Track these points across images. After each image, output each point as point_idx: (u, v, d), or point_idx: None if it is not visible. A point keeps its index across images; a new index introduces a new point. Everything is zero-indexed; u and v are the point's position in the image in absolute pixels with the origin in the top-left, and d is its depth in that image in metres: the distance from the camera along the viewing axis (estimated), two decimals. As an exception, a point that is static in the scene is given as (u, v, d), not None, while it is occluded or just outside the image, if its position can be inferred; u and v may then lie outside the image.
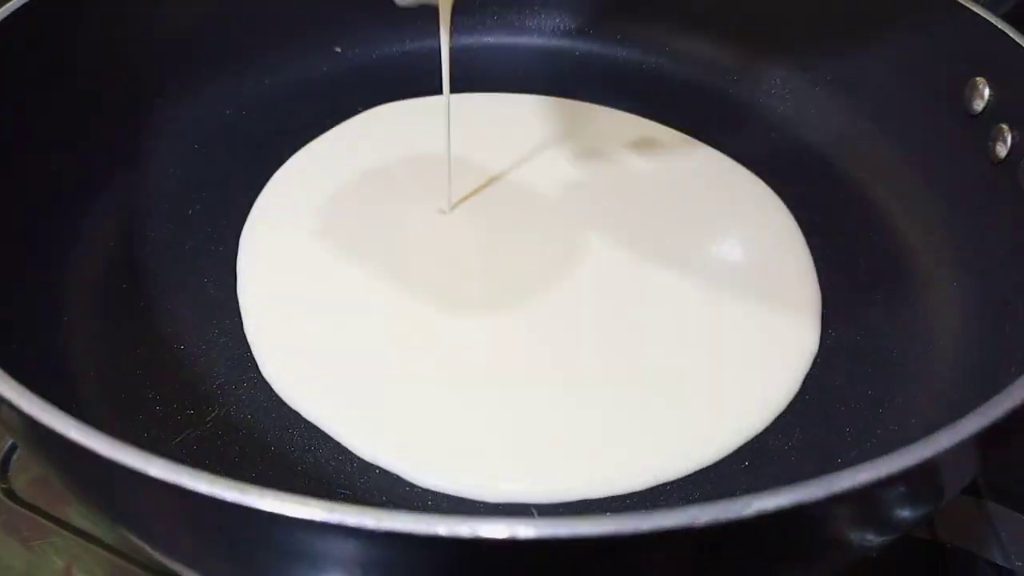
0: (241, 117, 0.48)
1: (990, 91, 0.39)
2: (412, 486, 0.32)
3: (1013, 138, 0.38)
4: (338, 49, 0.52)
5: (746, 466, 0.33)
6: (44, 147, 0.39)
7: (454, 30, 0.54)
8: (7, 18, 0.37)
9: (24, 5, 0.38)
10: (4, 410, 0.23)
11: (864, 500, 0.21)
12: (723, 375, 0.36)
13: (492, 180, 0.45)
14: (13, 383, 0.23)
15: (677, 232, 0.42)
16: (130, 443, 0.31)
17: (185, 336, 0.37)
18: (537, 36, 0.54)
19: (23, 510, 0.35)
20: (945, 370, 0.36)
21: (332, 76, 0.52)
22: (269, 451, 0.33)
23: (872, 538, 0.24)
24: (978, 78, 0.40)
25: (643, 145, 0.48)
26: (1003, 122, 0.38)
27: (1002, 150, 0.38)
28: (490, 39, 0.55)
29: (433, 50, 0.53)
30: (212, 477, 0.20)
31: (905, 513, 0.23)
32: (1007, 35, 0.38)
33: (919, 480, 0.22)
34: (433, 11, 0.53)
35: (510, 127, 0.49)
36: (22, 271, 0.35)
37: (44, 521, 0.35)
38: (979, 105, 0.40)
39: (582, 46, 0.54)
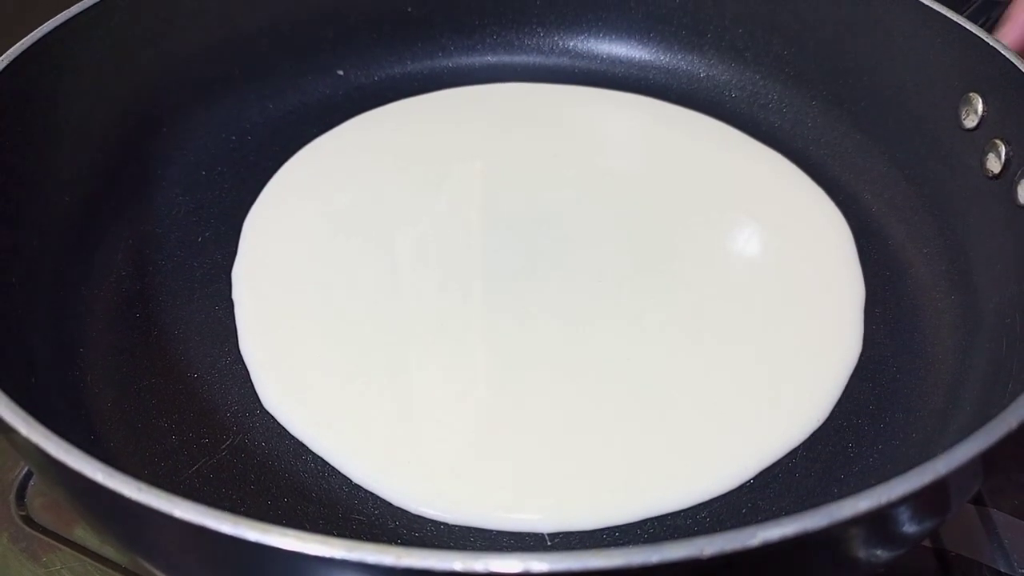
0: (246, 142, 0.49)
1: (984, 106, 0.40)
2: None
3: (1007, 153, 0.38)
4: (341, 72, 0.53)
5: (751, 484, 0.33)
6: (53, 182, 0.39)
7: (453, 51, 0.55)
8: (16, 58, 0.37)
9: (34, 43, 0.39)
10: (30, 451, 0.23)
11: (868, 524, 0.22)
12: (744, 405, 0.36)
13: (497, 179, 0.46)
14: (37, 425, 0.23)
15: (712, 247, 0.42)
16: (147, 474, 0.32)
17: (197, 364, 0.37)
18: (536, 55, 0.55)
19: (41, 535, 0.36)
20: (944, 384, 0.36)
21: (335, 98, 0.52)
22: (283, 479, 0.33)
23: (879, 555, 0.24)
24: (972, 93, 0.40)
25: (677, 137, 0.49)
26: (997, 137, 0.39)
27: (996, 165, 0.39)
28: (490, 58, 0.55)
29: (430, 70, 0.54)
30: (235, 518, 0.20)
31: (910, 531, 0.24)
32: (999, 51, 0.39)
33: (921, 502, 0.22)
34: (436, 30, 0.54)
35: (532, 119, 0.50)
36: (37, 306, 0.36)
37: (62, 546, 0.35)
38: (973, 120, 0.40)
39: (580, 63, 0.55)
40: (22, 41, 0.38)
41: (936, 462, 0.22)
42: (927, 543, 0.34)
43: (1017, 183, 0.37)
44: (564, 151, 0.48)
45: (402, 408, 0.35)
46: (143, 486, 0.21)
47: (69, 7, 0.41)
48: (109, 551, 0.35)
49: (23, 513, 0.37)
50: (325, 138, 0.49)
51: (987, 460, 0.23)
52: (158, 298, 0.40)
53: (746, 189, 0.46)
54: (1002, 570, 0.34)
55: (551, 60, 0.55)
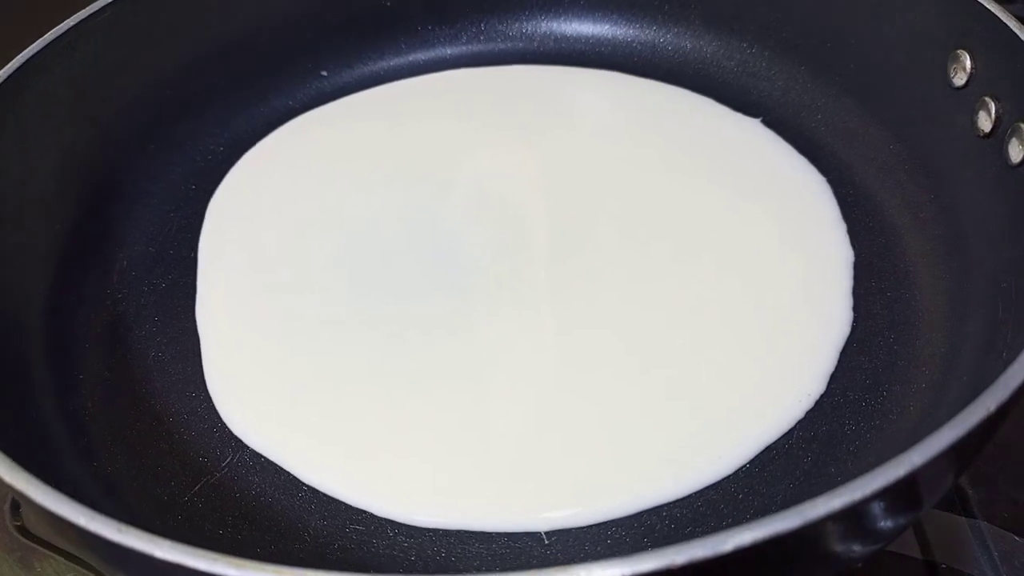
0: (234, 151, 0.49)
1: (972, 63, 0.39)
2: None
3: (997, 110, 0.37)
4: (324, 72, 0.53)
5: (747, 469, 0.33)
6: (42, 210, 0.40)
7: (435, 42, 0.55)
8: (12, 73, 0.38)
9: (15, 70, 0.39)
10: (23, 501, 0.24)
11: (842, 521, 0.22)
12: (737, 389, 0.35)
13: (474, 168, 0.46)
14: (28, 476, 0.24)
15: (696, 229, 0.42)
16: (149, 497, 0.33)
17: (197, 382, 0.38)
18: (520, 41, 0.54)
19: (36, 546, 0.37)
20: (940, 355, 0.36)
21: (321, 99, 0.52)
22: (284, 491, 0.34)
23: (856, 550, 0.24)
24: (960, 51, 0.39)
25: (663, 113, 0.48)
26: (987, 94, 0.38)
27: (987, 123, 0.38)
28: (474, 47, 0.55)
29: (414, 64, 0.54)
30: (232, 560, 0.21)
31: (886, 525, 0.24)
32: (984, 7, 0.38)
33: (896, 496, 0.22)
34: (416, 22, 0.54)
35: (504, 103, 0.50)
36: (34, 337, 0.37)
37: (55, 555, 0.36)
38: (962, 78, 0.39)
39: (566, 46, 0.54)
40: (3, 69, 0.39)
41: (912, 453, 0.22)
42: (917, 555, 0.34)
43: (1008, 141, 0.36)
44: (545, 134, 0.48)
45: (382, 420, 0.35)
46: (95, 515, 0.22)
47: (46, 33, 0.41)
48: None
49: (18, 523, 0.38)
50: (272, 138, 0.49)
51: (959, 452, 0.23)
52: (153, 318, 0.40)
53: (728, 164, 0.45)
54: (992, 582, 0.34)
55: (535, 45, 0.54)
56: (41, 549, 0.36)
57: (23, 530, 0.37)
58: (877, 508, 0.22)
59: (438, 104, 0.50)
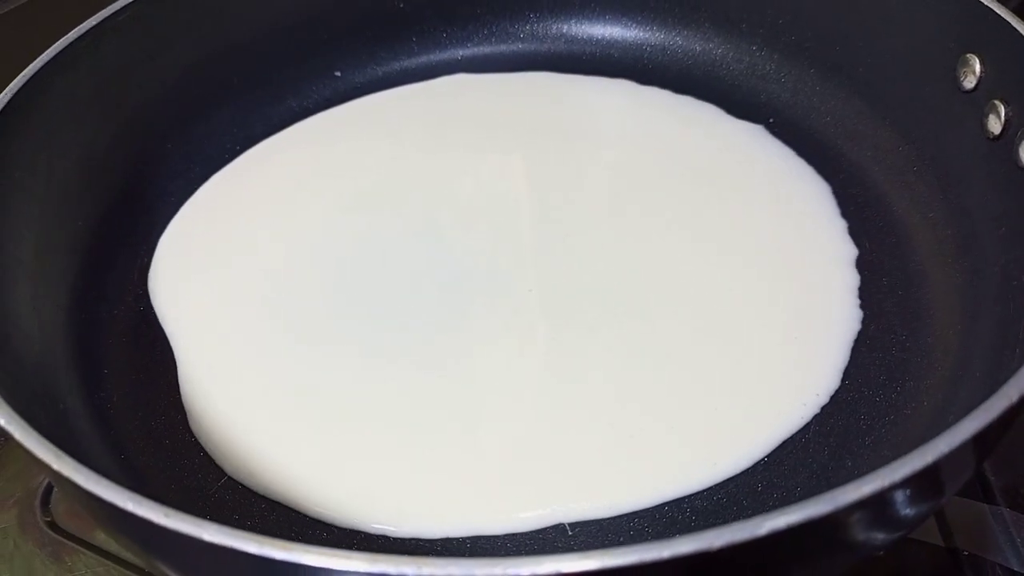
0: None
1: (981, 67, 0.40)
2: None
3: (1007, 113, 0.38)
4: (338, 73, 0.53)
5: (765, 461, 0.34)
6: (65, 208, 0.41)
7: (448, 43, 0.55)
8: (19, 91, 0.38)
9: (34, 73, 0.39)
10: (67, 488, 0.24)
11: (869, 508, 0.22)
12: (754, 384, 0.36)
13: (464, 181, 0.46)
14: (76, 463, 0.24)
15: (709, 231, 0.42)
16: (175, 489, 0.33)
17: (218, 377, 0.38)
18: (532, 42, 0.55)
19: (65, 540, 0.37)
20: (953, 351, 0.36)
21: (335, 100, 0.53)
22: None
23: (880, 537, 0.25)
24: (969, 54, 0.40)
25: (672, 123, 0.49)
26: (996, 98, 0.39)
27: (996, 126, 0.39)
28: (486, 48, 0.55)
29: (426, 65, 0.55)
30: (260, 538, 0.21)
31: (910, 512, 0.24)
32: (994, 11, 0.38)
33: (922, 483, 0.23)
34: (429, 23, 0.55)
35: (501, 108, 0.51)
36: (58, 333, 0.37)
37: (84, 550, 0.37)
38: (972, 82, 0.40)
39: (576, 48, 0.54)
40: (22, 73, 0.39)
41: (938, 441, 0.23)
42: (940, 542, 0.35)
43: (1018, 144, 0.37)
44: (548, 146, 0.48)
45: (390, 438, 0.35)
46: (138, 498, 0.23)
47: (65, 34, 0.42)
48: (129, 555, 0.36)
49: (48, 519, 0.38)
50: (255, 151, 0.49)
51: (982, 440, 0.23)
52: (175, 314, 0.41)
53: (730, 171, 0.46)
54: (1015, 568, 0.34)
55: (546, 46, 0.55)
56: (71, 544, 0.37)
57: (53, 525, 0.37)
58: (903, 495, 0.22)
59: (441, 113, 0.51)
